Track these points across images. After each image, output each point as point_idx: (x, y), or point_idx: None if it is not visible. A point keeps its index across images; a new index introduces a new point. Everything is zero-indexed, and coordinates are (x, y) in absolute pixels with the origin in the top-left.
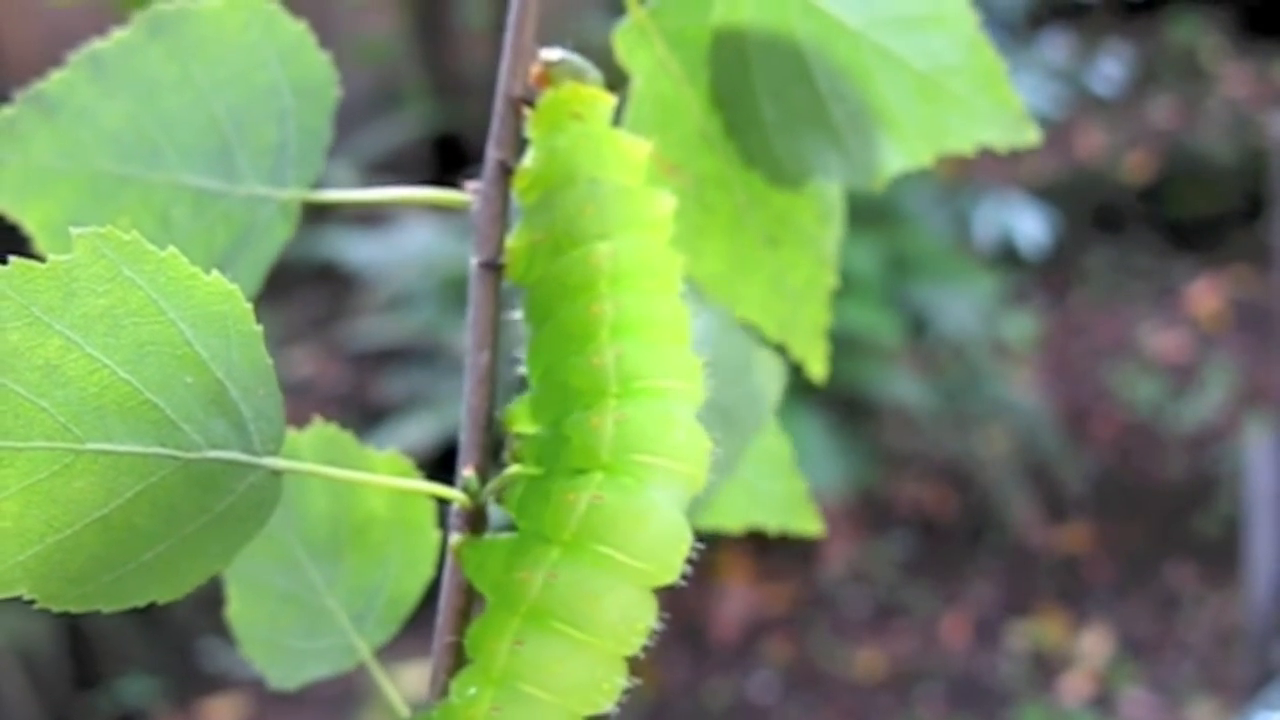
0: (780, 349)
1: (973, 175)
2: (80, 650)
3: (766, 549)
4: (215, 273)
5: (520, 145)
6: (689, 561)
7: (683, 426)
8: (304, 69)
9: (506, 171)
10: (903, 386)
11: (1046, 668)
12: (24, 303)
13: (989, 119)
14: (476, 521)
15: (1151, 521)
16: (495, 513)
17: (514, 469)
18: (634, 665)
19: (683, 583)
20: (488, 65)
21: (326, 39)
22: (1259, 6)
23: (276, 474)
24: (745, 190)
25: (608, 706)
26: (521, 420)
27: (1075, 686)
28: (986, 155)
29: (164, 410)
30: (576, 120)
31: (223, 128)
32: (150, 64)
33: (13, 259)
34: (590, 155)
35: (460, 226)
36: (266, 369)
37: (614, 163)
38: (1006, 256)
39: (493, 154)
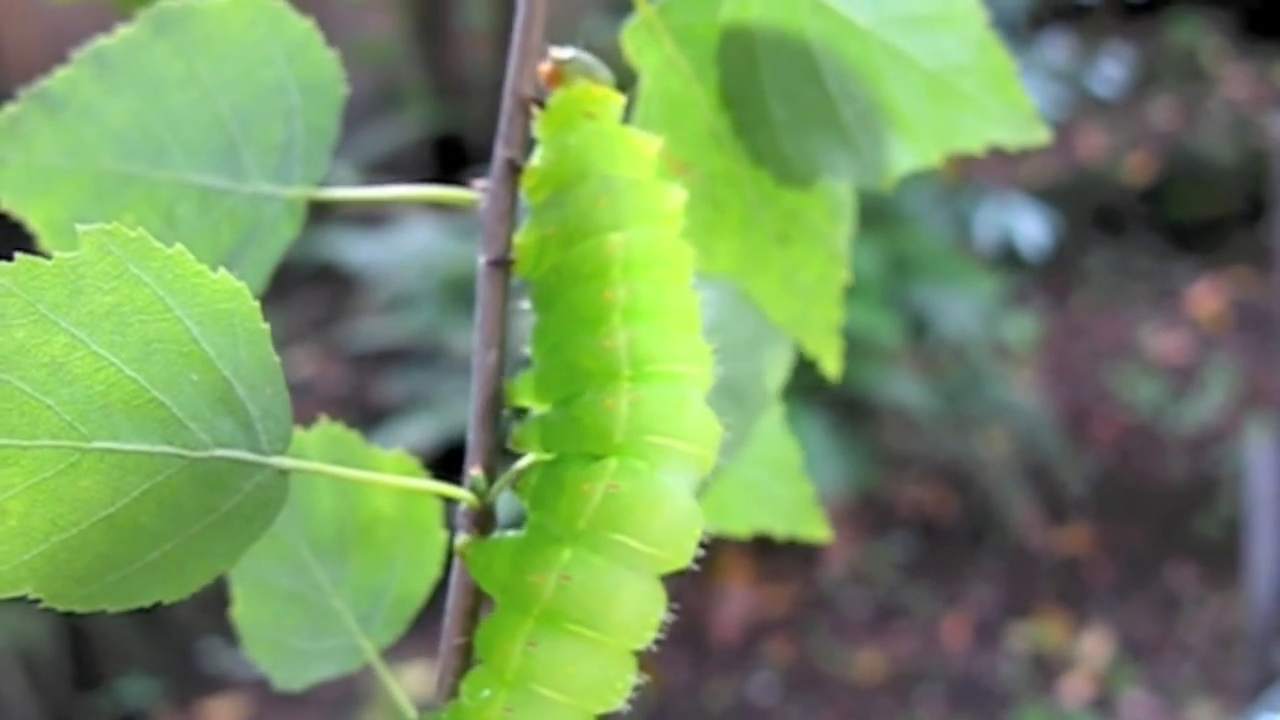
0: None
1: (973, 176)
2: (81, 650)
3: (767, 550)
4: (222, 270)
5: (528, 144)
6: (690, 563)
7: (695, 409)
8: (310, 66)
9: (515, 170)
10: (903, 388)
11: (1047, 669)
12: (29, 300)
13: (999, 118)
14: (484, 522)
15: (1152, 523)
16: (501, 510)
17: (528, 459)
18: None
19: (688, 577)
20: (488, 66)
21: (327, 39)
22: (1260, 8)
23: (283, 473)
24: (755, 188)
25: (620, 704)
26: (524, 394)
27: (1075, 688)
28: (987, 156)
29: (170, 409)
30: (588, 119)
31: (228, 125)
32: (155, 61)
33: (18, 255)
34: (603, 152)
35: (461, 227)
36: (274, 367)
37: (626, 159)
38: (1007, 258)
39: (501, 152)
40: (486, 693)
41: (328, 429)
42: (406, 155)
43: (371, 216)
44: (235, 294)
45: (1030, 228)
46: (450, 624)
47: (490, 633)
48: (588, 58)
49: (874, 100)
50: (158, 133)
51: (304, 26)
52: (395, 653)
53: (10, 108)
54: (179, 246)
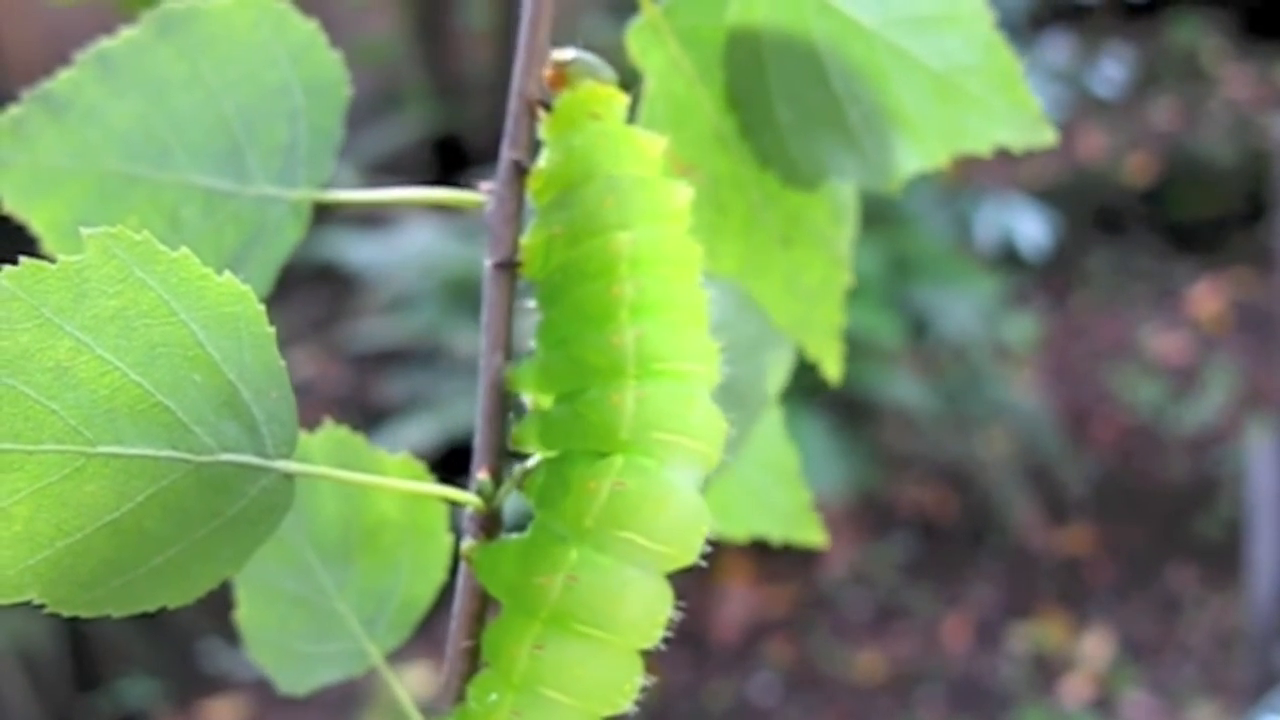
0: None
1: (973, 177)
2: (81, 651)
3: (767, 551)
4: (227, 273)
5: (534, 146)
6: (690, 564)
7: (701, 406)
8: (315, 68)
9: (521, 172)
10: (904, 388)
11: (1047, 670)
12: (34, 304)
13: (1005, 119)
14: (490, 525)
15: (1153, 524)
16: (506, 512)
17: (535, 459)
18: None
19: (688, 577)
20: (489, 67)
21: (327, 40)
22: (1260, 8)
23: (289, 477)
24: (760, 190)
25: (627, 706)
26: (526, 383)
27: (1076, 689)
28: (988, 156)
29: (176, 413)
30: (593, 119)
31: (233, 127)
32: (159, 63)
33: (23, 259)
34: (608, 152)
35: (462, 228)
36: (279, 371)
37: (632, 158)
38: (1007, 258)
39: (507, 154)
40: (494, 696)
41: (332, 432)
42: (407, 156)
43: (372, 217)
44: (240, 297)
45: (1030, 228)
46: (457, 627)
47: (497, 636)
48: (591, 58)
49: (880, 102)
50: (162, 134)
51: (308, 28)
52: (396, 653)
53: (13, 109)
54: (184, 250)
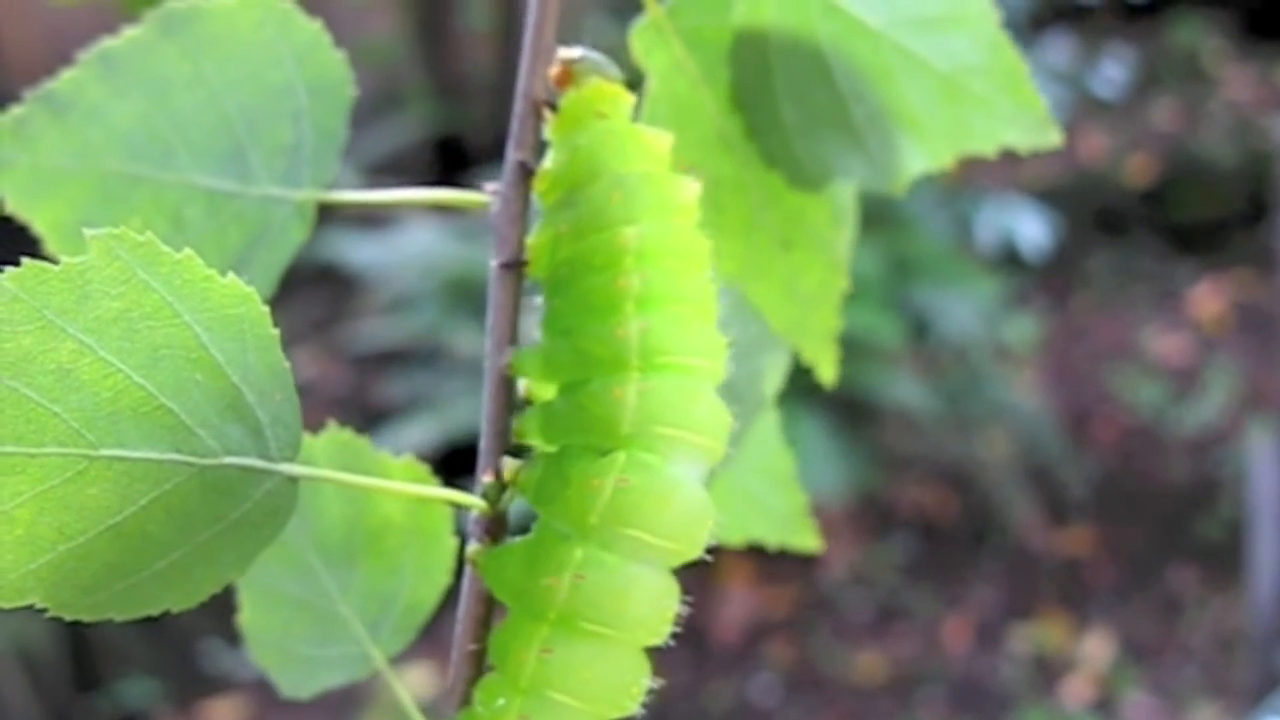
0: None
1: (974, 178)
2: (81, 652)
3: (768, 552)
4: (231, 275)
5: (540, 146)
6: (690, 565)
7: (705, 400)
8: (319, 68)
9: (527, 173)
10: (904, 389)
11: (1048, 671)
12: (37, 306)
13: (1011, 120)
14: (496, 529)
15: (1153, 525)
16: (511, 514)
17: (528, 460)
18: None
19: (688, 578)
20: (490, 67)
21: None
22: (1261, 9)
23: (293, 480)
24: (760, 192)
25: (634, 709)
26: (530, 369)
27: (1077, 690)
28: (988, 158)
29: (179, 415)
30: (600, 118)
31: (236, 127)
32: (162, 62)
33: (25, 261)
34: (615, 150)
35: (463, 228)
36: (284, 373)
37: (638, 155)
38: (1008, 259)
39: (513, 155)
40: (501, 701)
41: (336, 435)
42: (408, 156)
43: (373, 217)
44: (244, 299)
45: (1031, 229)
46: (462, 631)
47: (504, 640)
48: (597, 56)
49: (885, 102)
50: (165, 134)
51: (312, 28)
52: (398, 654)
53: (15, 109)
54: (187, 251)
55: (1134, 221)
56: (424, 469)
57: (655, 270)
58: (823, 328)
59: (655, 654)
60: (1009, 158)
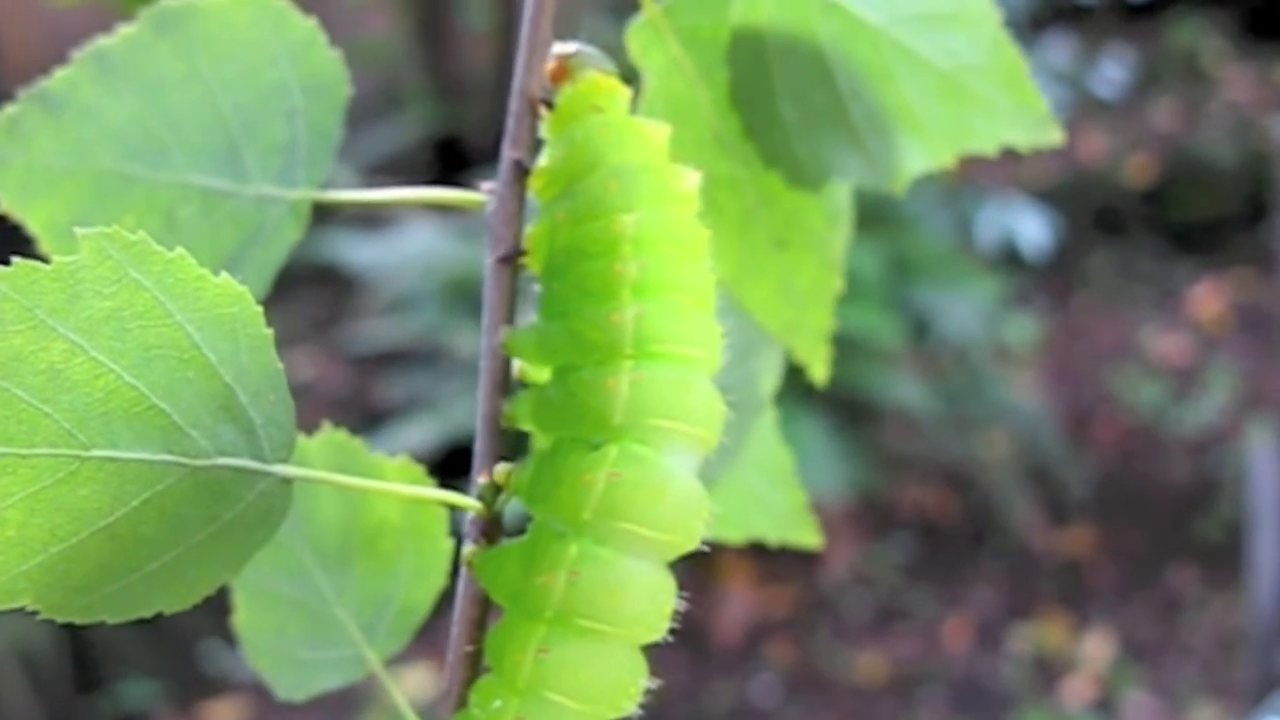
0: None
1: (974, 178)
2: (81, 653)
3: (768, 552)
4: (224, 274)
5: (536, 145)
6: (690, 565)
7: (698, 390)
8: (314, 67)
9: (523, 172)
10: (904, 389)
11: (1048, 671)
12: (28, 305)
13: (1012, 119)
14: (492, 531)
15: (1154, 525)
16: (507, 515)
17: (521, 461)
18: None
19: (688, 578)
20: (489, 67)
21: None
22: (1261, 9)
23: (287, 482)
24: (756, 192)
25: (632, 709)
26: (523, 349)
27: (1077, 690)
28: (988, 157)
29: (171, 416)
30: (596, 112)
31: (230, 126)
32: (156, 61)
33: (16, 260)
34: (612, 142)
35: (462, 228)
36: (277, 374)
37: (636, 147)
38: (1008, 259)
39: (509, 154)
40: (498, 703)
41: (331, 436)
42: (407, 156)
43: (372, 218)
44: (237, 299)
45: (1031, 229)
46: (458, 633)
47: (500, 641)
48: (593, 50)
49: (885, 101)
50: (159, 133)
51: (307, 26)
52: (395, 656)
53: (10, 108)
54: (180, 250)
55: (1134, 221)
56: (419, 470)
57: (653, 258)
58: (816, 327)
59: (654, 654)
60: (1009, 157)
